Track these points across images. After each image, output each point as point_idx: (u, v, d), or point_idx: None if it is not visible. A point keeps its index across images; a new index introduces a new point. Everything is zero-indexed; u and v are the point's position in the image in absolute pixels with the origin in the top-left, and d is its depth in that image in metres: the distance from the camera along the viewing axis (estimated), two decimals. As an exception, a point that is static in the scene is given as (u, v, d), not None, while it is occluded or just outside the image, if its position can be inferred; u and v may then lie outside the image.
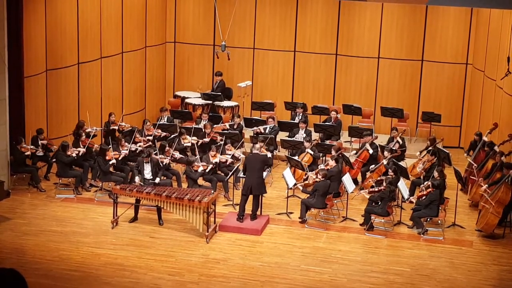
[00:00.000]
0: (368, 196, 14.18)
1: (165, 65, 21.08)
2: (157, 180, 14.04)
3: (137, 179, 13.99)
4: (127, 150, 15.61)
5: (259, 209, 14.20)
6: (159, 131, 17.03)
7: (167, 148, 15.76)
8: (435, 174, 13.93)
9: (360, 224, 14.03)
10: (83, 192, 15.36)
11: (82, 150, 15.39)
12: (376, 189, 14.15)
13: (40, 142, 15.46)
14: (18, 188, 15.37)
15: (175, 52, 21.06)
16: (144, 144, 16.18)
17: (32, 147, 15.21)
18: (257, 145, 14.69)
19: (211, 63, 20.78)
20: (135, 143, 16.17)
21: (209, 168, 14.94)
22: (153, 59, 20.28)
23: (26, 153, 15.07)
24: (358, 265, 12.38)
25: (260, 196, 14.06)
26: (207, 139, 16.68)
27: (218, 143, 16.26)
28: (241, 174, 14.51)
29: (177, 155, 15.94)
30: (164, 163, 15.15)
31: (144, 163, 14.15)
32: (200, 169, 14.75)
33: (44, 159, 15.79)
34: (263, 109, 19.44)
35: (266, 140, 16.11)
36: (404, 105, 19.25)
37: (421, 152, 16.34)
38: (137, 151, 15.84)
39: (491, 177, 14.34)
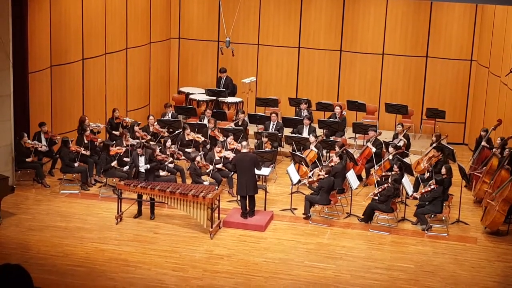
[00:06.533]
0: (376, 198, 13.98)
1: (170, 61, 21.07)
2: (147, 166, 14.06)
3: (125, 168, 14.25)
4: (130, 144, 15.62)
5: (263, 205, 14.24)
6: (161, 129, 16.98)
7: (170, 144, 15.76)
8: (443, 171, 13.87)
9: (360, 220, 13.98)
10: (88, 188, 15.36)
11: (83, 152, 15.27)
12: (380, 189, 13.99)
13: (43, 135, 15.46)
14: (23, 184, 15.38)
15: (179, 48, 21.05)
16: (145, 138, 16.19)
17: (35, 142, 15.21)
18: (244, 143, 14.49)
19: (215, 59, 20.76)
20: (137, 138, 16.18)
21: (210, 168, 14.92)
22: (157, 55, 20.28)
23: (29, 149, 15.08)
24: (362, 261, 12.38)
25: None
26: (209, 135, 16.65)
27: (220, 142, 16.23)
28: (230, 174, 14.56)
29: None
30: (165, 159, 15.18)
31: (139, 156, 14.17)
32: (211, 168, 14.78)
33: (49, 154, 15.80)
34: (267, 105, 19.41)
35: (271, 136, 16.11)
36: (409, 102, 19.21)
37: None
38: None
39: (496, 175, 14.27)
